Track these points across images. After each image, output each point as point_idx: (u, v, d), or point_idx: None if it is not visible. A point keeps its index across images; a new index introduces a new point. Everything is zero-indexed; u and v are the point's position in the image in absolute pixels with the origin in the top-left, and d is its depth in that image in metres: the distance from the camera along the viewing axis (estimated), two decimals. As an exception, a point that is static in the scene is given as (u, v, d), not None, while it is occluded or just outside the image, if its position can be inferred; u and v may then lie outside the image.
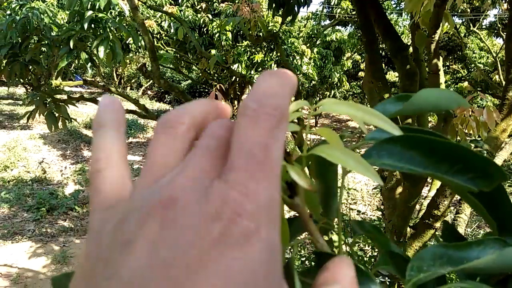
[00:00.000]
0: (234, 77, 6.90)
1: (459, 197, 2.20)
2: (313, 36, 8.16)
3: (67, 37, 2.09)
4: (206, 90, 10.45)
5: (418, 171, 0.22)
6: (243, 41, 5.92)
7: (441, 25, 1.38)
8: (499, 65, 5.30)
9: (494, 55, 5.70)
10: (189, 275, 0.13)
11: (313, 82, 7.83)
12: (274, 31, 2.94)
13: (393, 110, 0.29)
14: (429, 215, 1.52)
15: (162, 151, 0.18)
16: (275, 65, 5.83)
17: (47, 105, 2.40)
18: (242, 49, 5.83)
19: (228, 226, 0.14)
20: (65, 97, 2.43)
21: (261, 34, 3.18)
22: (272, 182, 0.15)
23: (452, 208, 2.78)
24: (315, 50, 7.71)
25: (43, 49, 2.31)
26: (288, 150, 0.21)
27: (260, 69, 5.84)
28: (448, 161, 0.22)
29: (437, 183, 1.95)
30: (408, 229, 1.55)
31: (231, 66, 5.60)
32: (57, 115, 2.45)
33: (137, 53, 5.28)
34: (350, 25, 10.23)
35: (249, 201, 0.14)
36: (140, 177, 0.18)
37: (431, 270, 0.22)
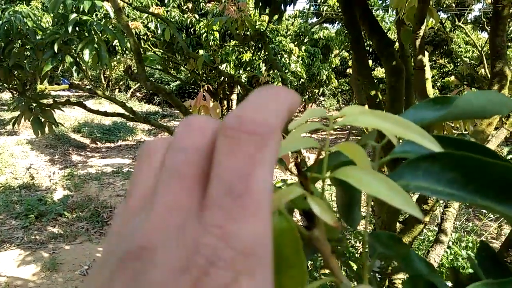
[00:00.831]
0: (222, 78, 6.89)
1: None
2: (300, 34, 8.18)
3: (51, 40, 2.06)
4: (195, 91, 10.41)
5: (459, 198, 0.19)
6: (231, 40, 5.91)
7: (425, 20, 1.39)
8: (484, 59, 5.35)
9: (480, 49, 5.76)
10: None
11: (302, 80, 7.85)
12: (262, 30, 2.94)
13: (430, 117, 0.24)
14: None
15: (142, 178, 0.16)
16: (263, 64, 5.83)
17: (33, 110, 2.37)
18: (230, 48, 5.82)
19: (200, 279, 0.12)
20: (51, 101, 2.40)
21: (248, 33, 3.18)
22: (257, 221, 0.13)
23: (441, 202, 2.81)
24: (303, 48, 7.73)
25: (27, 53, 2.28)
26: (305, 173, 0.18)
27: (248, 68, 5.84)
28: (498, 186, 0.18)
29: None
30: (398, 224, 1.56)
31: (219, 66, 5.58)
32: (43, 120, 2.41)
33: (125, 55, 5.24)
34: (337, 22, 10.28)
35: (225, 247, 0.12)
36: (125, 202, 0.16)
37: None
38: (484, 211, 3.28)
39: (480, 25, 8.14)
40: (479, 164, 0.19)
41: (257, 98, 0.15)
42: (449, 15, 7.83)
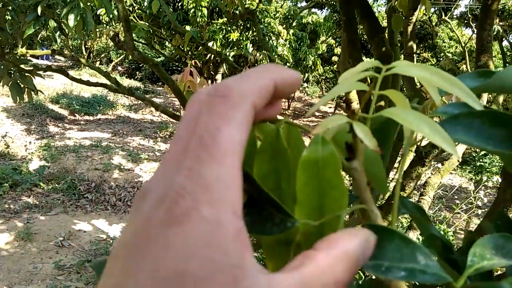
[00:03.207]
0: (208, 56, 6.80)
1: (423, 181, 2.28)
2: (289, 17, 8.11)
3: (35, 3, 1.98)
4: (179, 69, 10.25)
5: (498, 151, 0.20)
6: (219, 18, 5.81)
7: (418, 7, 1.40)
8: (467, 55, 5.45)
9: (463, 45, 5.86)
10: (137, 253, 0.14)
11: (288, 64, 7.82)
12: (252, 9, 2.90)
13: (472, 85, 0.25)
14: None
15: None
16: (251, 44, 5.77)
17: (12, 75, 2.28)
18: (218, 27, 5.73)
19: (171, 207, 0.15)
20: (31, 68, 2.32)
21: (238, 11, 3.13)
22: (220, 163, 0.15)
23: (416, 191, 2.88)
24: (291, 31, 7.68)
25: (9, 15, 2.18)
26: (353, 109, 0.20)
27: (235, 48, 5.77)
28: None
29: (404, 167, 2.01)
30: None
31: (207, 44, 5.50)
32: (22, 86, 2.33)
33: (108, 26, 5.09)
34: (326, 8, 10.23)
35: (191, 183, 0.15)
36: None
37: (494, 259, 0.21)
38: (458, 201, 3.39)
39: (466, 22, 8.25)
40: None
41: (244, 72, 0.18)
42: (436, 8, 7.90)
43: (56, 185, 4.02)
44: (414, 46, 1.40)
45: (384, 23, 2.78)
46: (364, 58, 9.82)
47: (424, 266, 0.18)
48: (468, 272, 0.21)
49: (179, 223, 0.14)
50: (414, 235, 2.25)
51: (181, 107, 1.93)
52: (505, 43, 7.28)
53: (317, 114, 10.60)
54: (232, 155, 0.16)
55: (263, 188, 0.19)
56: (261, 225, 0.20)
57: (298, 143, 0.23)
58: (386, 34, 1.90)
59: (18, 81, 2.29)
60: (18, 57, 2.19)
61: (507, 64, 6.46)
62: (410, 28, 1.35)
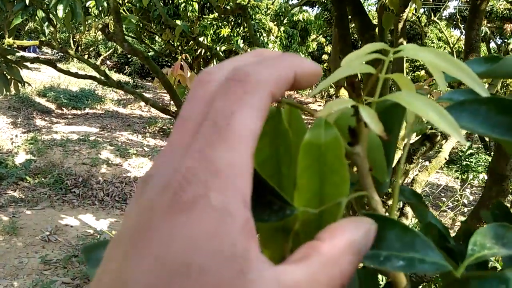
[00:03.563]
0: (199, 51, 6.76)
1: (411, 178, 2.32)
2: (280, 14, 8.11)
3: (22, -8, 1.94)
4: (169, 63, 10.17)
5: (504, 138, 0.19)
6: (210, 14, 5.78)
7: (409, 5, 1.41)
8: (455, 56, 5.52)
9: (451, 45, 5.94)
10: (140, 240, 0.14)
11: (278, 61, 7.83)
12: (243, 4, 2.89)
13: (479, 70, 0.25)
14: (382, 193, 1.59)
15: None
16: (242, 40, 5.76)
17: (-2, 66, 2.24)
18: (209, 22, 5.70)
19: (177, 193, 0.14)
20: (18, 59, 2.28)
21: (229, 6, 3.12)
22: (233, 149, 0.15)
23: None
24: (282, 28, 7.68)
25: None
26: (359, 92, 0.19)
27: (226, 43, 5.75)
28: None
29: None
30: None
31: (197, 38, 5.47)
32: (9, 77, 2.29)
33: (98, 19, 5.03)
34: (317, 6, 10.24)
35: (200, 167, 0.14)
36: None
37: (494, 249, 0.21)
38: (444, 199, 3.44)
39: (454, 23, 8.35)
40: None
41: (264, 58, 0.18)
42: (425, 9, 7.97)
43: (43, 179, 3.96)
44: (404, 43, 1.41)
45: (375, 22, 2.80)
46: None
47: (423, 255, 0.18)
48: (468, 260, 0.20)
49: (186, 211, 0.14)
50: (406, 222, 2.28)
51: (172, 101, 1.91)
52: (492, 44, 7.39)
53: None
54: (246, 141, 0.15)
55: (261, 175, 0.19)
56: (259, 212, 0.19)
57: (300, 126, 0.22)
58: (377, 32, 1.91)
59: (5, 72, 2.25)
60: (4, 47, 2.15)
61: (494, 65, 6.56)
62: (400, 25, 1.36)
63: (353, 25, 1.71)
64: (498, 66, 0.24)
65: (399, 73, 0.20)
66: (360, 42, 1.88)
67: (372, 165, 0.22)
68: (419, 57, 0.19)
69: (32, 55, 10.52)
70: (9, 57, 2.25)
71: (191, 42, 5.24)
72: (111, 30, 1.53)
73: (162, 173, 0.15)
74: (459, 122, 0.20)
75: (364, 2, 10.12)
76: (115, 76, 11.14)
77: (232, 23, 5.79)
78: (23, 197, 3.56)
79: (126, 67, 12.45)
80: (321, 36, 10.22)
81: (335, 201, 0.19)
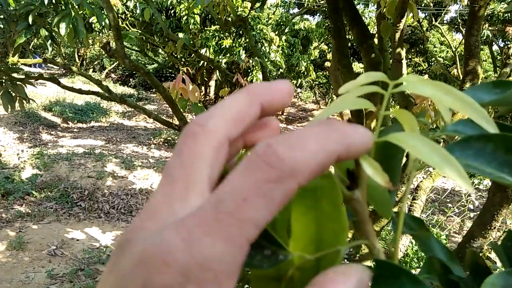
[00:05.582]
0: (201, 62, 6.81)
1: (415, 184, 2.30)
2: (281, 23, 8.17)
3: (26, 12, 1.98)
4: (173, 75, 10.25)
5: (509, 181, 0.17)
6: (212, 25, 5.84)
7: (405, 15, 1.42)
8: (457, 60, 5.50)
9: (454, 49, 5.93)
10: None
11: (281, 70, 7.86)
12: (244, 16, 2.92)
13: (487, 99, 0.23)
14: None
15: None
16: (244, 51, 5.80)
17: (3, 84, 2.28)
18: (210, 33, 5.76)
19: (150, 277, 0.12)
20: (23, 76, 2.31)
21: (230, 18, 3.15)
22: (228, 241, 0.13)
23: (409, 195, 2.90)
24: (283, 38, 7.73)
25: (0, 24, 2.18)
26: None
27: (228, 54, 5.79)
28: None
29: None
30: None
31: (199, 51, 5.52)
32: (14, 94, 2.33)
33: (101, 34, 5.10)
34: (318, 14, 10.30)
35: (184, 252, 0.12)
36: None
37: None
38: (450, 205, 3.41)
39: (456, 27, 8.35)
40: None
41: (307, 131, 0.15)
42: (426, 14, 7.99)
43: (49, 193, 3.99)
44: (403, 53, 1.42)
45: (375, 30, 2.81)
46: (356, 63, 9.87)
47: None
48: None
49: None
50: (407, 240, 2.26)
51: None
52: (495, 47, 7.37)
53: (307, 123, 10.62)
54: (243, 237, 0.13)
55: None
56: (249, 257, 0.17)
57: None
58: (376, 40, 1.92)
59: (10, 90, 2.29)
60: (9, 66, 2.18)
61: (497, 68, 6.52)
62: (398, 35, 1.37)
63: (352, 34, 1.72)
64: (510, 95, 0.22)
65: (401, 109, 0.19)
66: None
67: (374, 203, 0.21)
68: (422, 91, 0.18)
69: (38, 70, 10.66)
70: (14, 74, 2.29)
71: (194, 54, 5.29)
72: (112, 47, 1.56)
73: (140, 241, 0.14)
74: (465, 161, 0.18)
75: (364, 9, 10.16)
76: (120, 88, 11.25)
77: (234, 34, 5.84)
78: (30, 211, 3.58)
79: (131, 79, 12.55)
80: (323, 43, 10.26)
81: (334, 249, 0.18)
